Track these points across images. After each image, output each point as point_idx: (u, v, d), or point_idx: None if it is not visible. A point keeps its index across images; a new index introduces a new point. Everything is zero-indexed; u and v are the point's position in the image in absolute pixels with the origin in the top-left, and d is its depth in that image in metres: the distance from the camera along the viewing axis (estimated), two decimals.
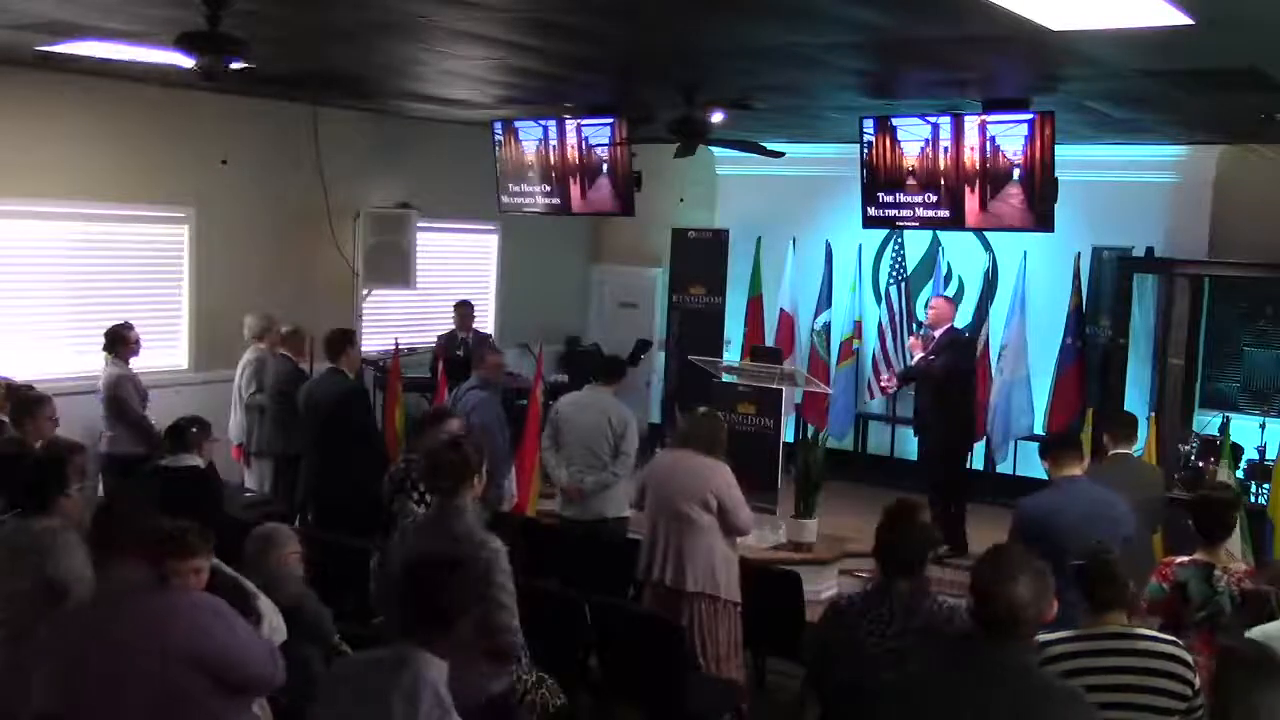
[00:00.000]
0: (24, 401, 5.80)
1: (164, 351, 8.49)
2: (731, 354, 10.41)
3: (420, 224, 9.98)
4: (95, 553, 3.63)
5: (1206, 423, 8.73)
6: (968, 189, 7.09)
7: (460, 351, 9.27)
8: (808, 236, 10.57)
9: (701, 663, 5.21)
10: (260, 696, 3.52)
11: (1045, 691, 2.73)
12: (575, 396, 6.73)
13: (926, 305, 8.74)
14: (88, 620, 3.42)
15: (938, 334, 8.15)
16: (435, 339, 9.75)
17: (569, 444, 6.47)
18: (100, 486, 7.00)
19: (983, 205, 7.08)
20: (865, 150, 7.57)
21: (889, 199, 7.56)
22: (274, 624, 3.85)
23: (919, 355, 8.28)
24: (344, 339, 7.32)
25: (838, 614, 3.60)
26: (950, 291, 9.72)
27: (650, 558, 5.35)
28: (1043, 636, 3.50)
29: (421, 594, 2.76)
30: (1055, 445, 5.10)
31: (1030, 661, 2.77)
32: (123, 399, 7.09)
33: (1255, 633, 3.52)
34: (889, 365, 10.01)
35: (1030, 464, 9.41)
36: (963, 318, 8.62)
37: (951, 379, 8.11)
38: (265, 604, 3.89)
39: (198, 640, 3.27)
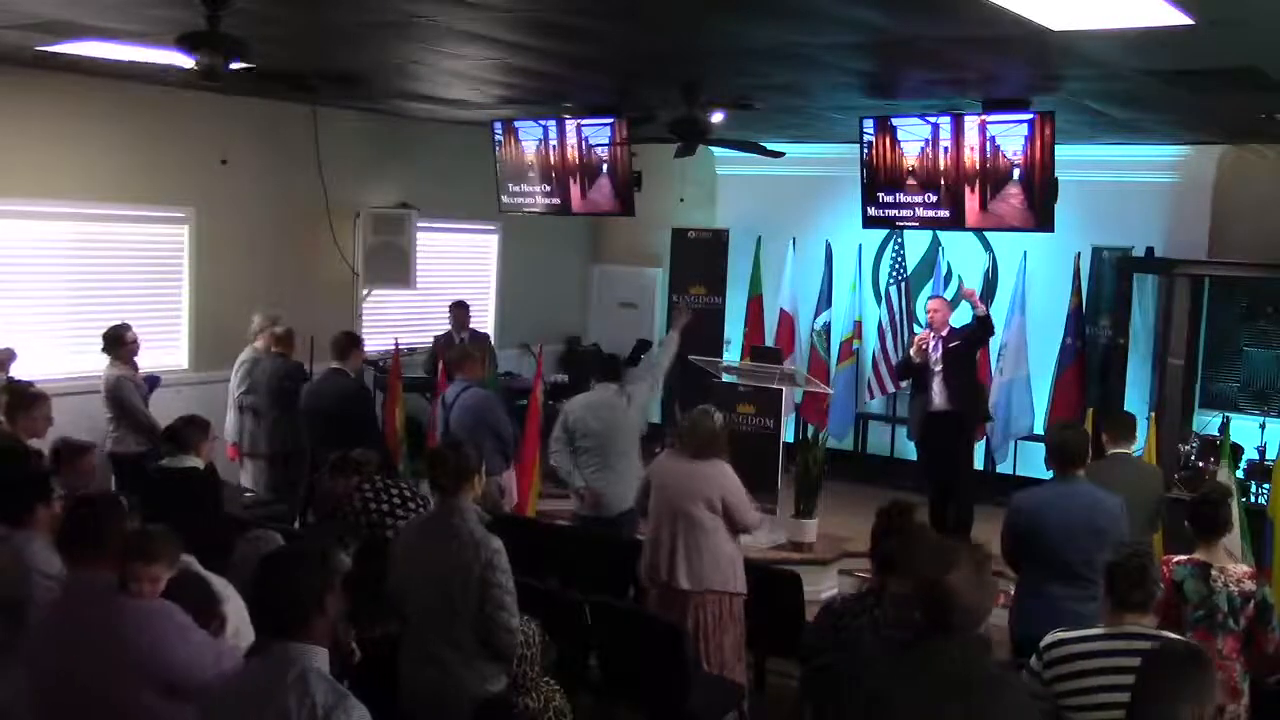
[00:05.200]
0: (19, 396, 5.79)
1: (164, 351, 8.50)
2: (731, 354, 10.41)
3: (420, 224, 9.99)
4: (67, 550, 3.62)
5: (1206, 423, 8.73)
6: (968, 189, 7.09)
7: None
8: (808, 236, 10.57)
9: (705, 667, 5.21)
10: None
11: (996, 692, 2.75)
12: (585, 399, 6.63)
13: (926, 309, 8.56)
14: (49, 622, 3.46)
15: (944, 334, 8.10)
16: (432, 339, 9.74)
17: (587, 447, 6.43)
18: (113, 484, 7.01)
19: (983, 205, 7.07)
20: (865, 150, 7.56)
21: (889, 199, 7.56)
22: (239, 629, 3.80)
23: (941, 347, 8.04)
24: (351, 341, 7.47)
25: (833, 615, 3.60)
26: (950, 292, 9.71)
27: (655, 559, 5.35)
28: (1058, 634, 3.50)
29: (278, 591, 2.76)
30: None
31: (976, 661, 2.76)
32: (123, 399, 7.09)
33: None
34: (889, 362, 9.99)
35: (1030, 464, 9.45)
36: (962, 318, 8.60)
37: (970, 362, 8.15)
38: (235, 607, 3.86)
39: (149, 650, 3.30)
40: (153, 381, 7.46)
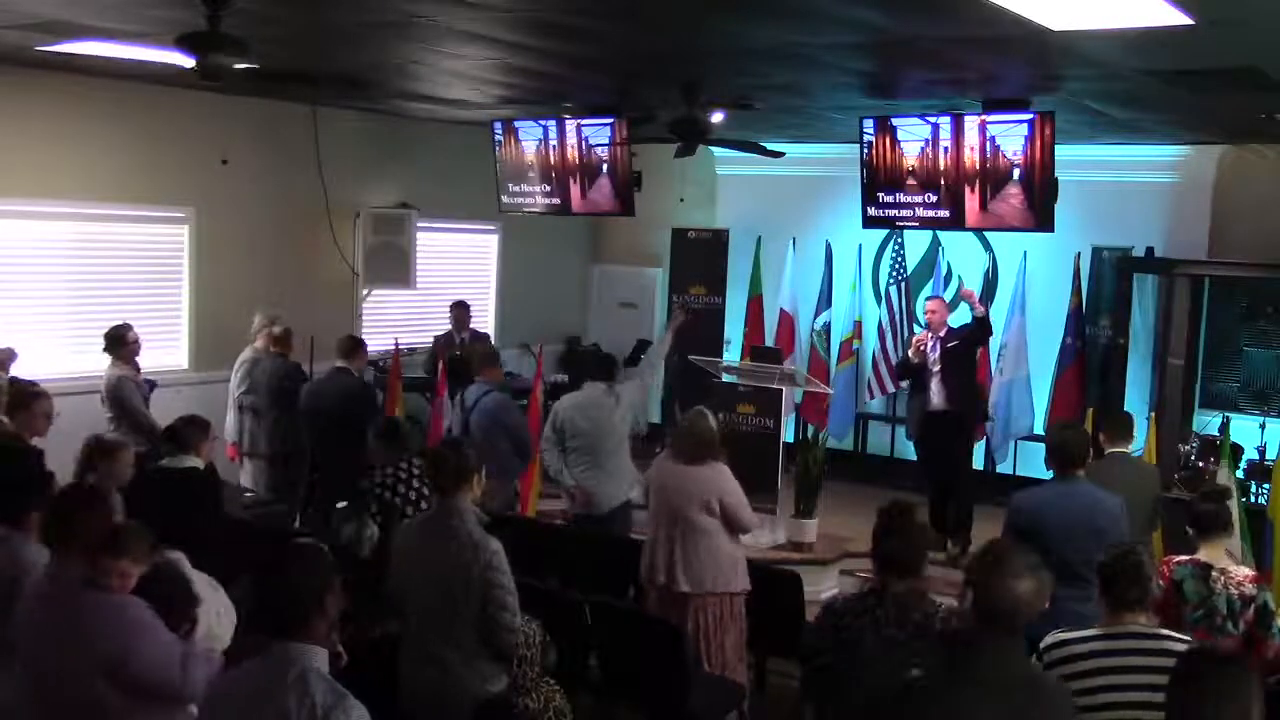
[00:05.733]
0: (19, 394, 5.77)
1: (164, 351, 8.50)
2: (731, 354, 10.41)
3: (420, 224, 10.00)
4: (47, 542, 3.62)
5: (1206, 423, 8.73)
6: (968, 189, 7.09)
7: (459, 352, 9.26)
8: (808, 236, 10.57)
9: (707, 667, 5.21)
10: (180, 704, 3.48)
11: (1039, 694, 2.75)
12: (574, 398, 6.68)
13: (924, 309, 8.56)
14: (31, 617, 3.47)
15: (943, 334, 8.11)
16: (432, 339, 9.74)
17: (576, 447, 6.46)
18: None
19: (983, 205, 7.07)
20: (865, 150, 7.56)
21: (889, 199, 7.56)
22: (215, 631, 3.79)
23: (939, 348, 8.05)
24: (356, 344, 7.60)
25: (834, 615, 3.60)
26: (950, 292, 9.71)
27: (654, 561, 5.35)
28: (1059, 635, 3.50)
29: (278, 590, 2.75)
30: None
31: (1025, 662, 2.77)
32: (124, 399, 7.08)
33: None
34: (890, 361, 9.98)
35: (1030, 464, 9.45)
36: (962, 318, 8.60)
37: (968, 362, 8.16)
38: (214, 609, 3.84)
39: (109, 644, 3.31)
40: (150, 385, 7.46)
